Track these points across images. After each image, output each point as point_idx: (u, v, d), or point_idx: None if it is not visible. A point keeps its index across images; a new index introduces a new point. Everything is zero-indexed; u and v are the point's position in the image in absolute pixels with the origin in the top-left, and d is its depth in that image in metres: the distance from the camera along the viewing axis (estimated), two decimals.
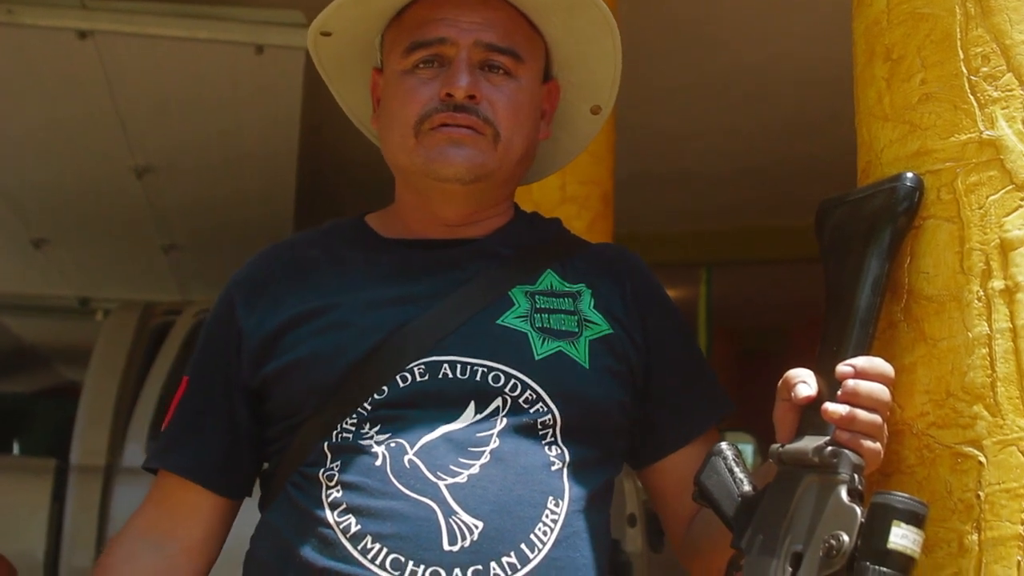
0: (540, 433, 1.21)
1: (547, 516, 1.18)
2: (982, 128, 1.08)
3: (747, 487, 1.11)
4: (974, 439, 1.05)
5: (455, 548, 1.13)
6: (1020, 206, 1.06)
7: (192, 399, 1.33)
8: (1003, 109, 1.08)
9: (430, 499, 1.15)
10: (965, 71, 1.10)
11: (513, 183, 1.37)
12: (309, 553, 1.16)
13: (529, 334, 1.24)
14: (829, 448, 1.03)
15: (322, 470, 1.19)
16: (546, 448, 1.21)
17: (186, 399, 1.34)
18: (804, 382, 1.08)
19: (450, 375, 1.21)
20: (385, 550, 1.14)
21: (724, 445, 1.14)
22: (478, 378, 1.21)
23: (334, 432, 1.21)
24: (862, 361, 1.05)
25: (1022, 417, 1.03)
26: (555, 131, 1.41)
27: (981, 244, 1.07)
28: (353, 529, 1.15)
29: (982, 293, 1.06)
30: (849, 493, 1.00)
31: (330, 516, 1.17)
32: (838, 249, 1.15)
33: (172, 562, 1.29)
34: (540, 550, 1.16)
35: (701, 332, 8.38)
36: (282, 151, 5.22)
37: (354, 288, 1.29)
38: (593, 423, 1.24)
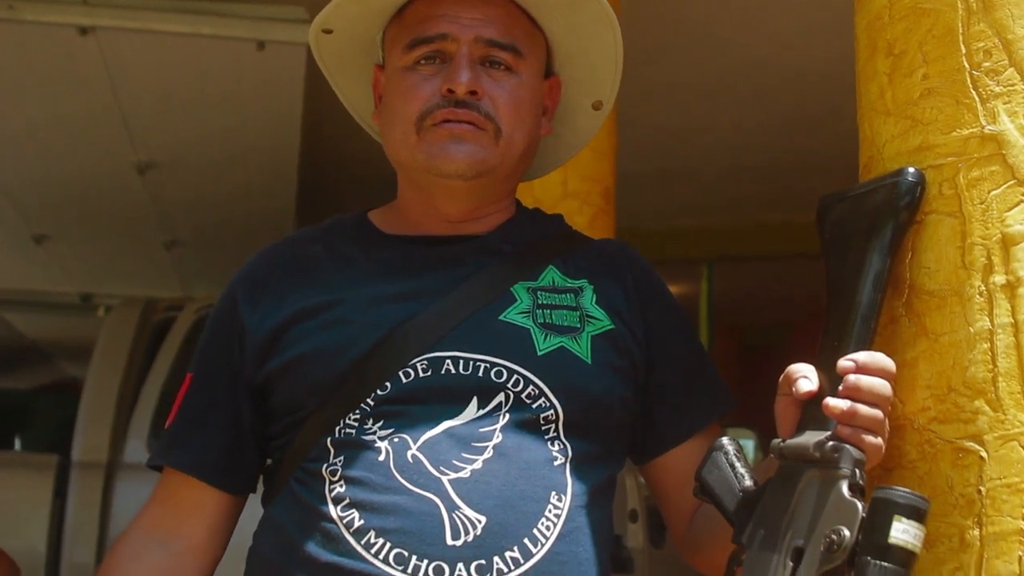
0: (542, 428, 1.21)
1: (550, 511, 1.18)
2: (984, 123, 1.08)
3: (748, 482, 1.11)
4: (975, 434, 1.05)
5: (458, 543, 1.14)
6: (1022, 201, 1.06)
7: (196, 396, 1.33)
8: (1005, 104, 1.08)
9: (433, 494, 1.15)
10: (967, 66, 1.10)
11: (515, 179, 1.37)
12: (312, 548, 1.16)
13: (531, 330, 1.24)
14: (830, 443, 1.03)
15: (325, 465, 1.20)
16: (548, 443, 1.21)
17: (190, 396, 1.34)
18: (805, 377, 1.08)
19: (453, 371, 1.21)
20: (388, 545, 1.14)
21: (725, 440, 1.14)
22: (480, 374, 1.21)
23: (337, 428, 1.21)
24: (863, 356, 1.05)
25: (1023, 412, 1.03)
26: (557, 127, 1.41)
27: (983, 239, 1.07)
28: (356, 524, 1.15)
29: (983, 288, 1.06)
30: (850, 488, 1.00)
31: (333, 511, 1.17)
32: (839, 244, 1.15)
33: (178, 560, 1.30)
34: (543, 545, 1.16)
35: (703, 328, 8.36)
36: (284, 147, 5.21)
37: (356, 284, 1.29)
38: (595, 418, 1.24)
